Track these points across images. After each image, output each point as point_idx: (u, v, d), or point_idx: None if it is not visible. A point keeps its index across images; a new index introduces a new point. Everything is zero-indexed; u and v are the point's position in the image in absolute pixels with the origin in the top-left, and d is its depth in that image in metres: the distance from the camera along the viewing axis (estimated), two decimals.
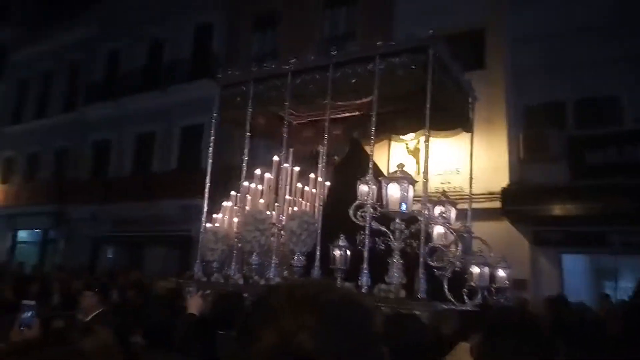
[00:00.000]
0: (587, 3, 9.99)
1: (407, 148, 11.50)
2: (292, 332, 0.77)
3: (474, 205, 10.39)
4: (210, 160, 5.83)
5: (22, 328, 2.58)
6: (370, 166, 4.99)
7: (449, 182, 11.25)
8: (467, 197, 10.73)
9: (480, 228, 10.19)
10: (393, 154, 11.58)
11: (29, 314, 2.65)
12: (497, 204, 10.09)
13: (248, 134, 5.55)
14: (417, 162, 11.41)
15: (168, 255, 13.97)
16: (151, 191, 12.20)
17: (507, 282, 5.01)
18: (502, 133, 10.59)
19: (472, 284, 4.58)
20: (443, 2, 11.68)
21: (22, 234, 20.00)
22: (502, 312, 3.26)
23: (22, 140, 20.11)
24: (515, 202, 9.90)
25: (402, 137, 10.89)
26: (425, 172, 4.91)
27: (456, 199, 10.75)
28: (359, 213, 4.85)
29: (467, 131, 6.56)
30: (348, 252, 4.86)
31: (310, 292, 0.83)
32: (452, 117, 6.05)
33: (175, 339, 4.27)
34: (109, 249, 16.11)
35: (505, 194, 10.02)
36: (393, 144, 11.73)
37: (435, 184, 10.80)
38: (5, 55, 22.08)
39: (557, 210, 9.66)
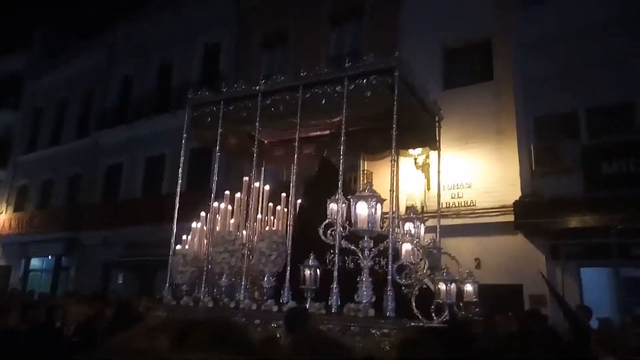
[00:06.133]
0: (593, 3, 9.66)
1: (416, 163, 11.36)
2: None
3: (486, 220, 10.27)
4: (180, 181, 5.92)
5: None
6: (340, 184, 4.95)
7: (460, 197, 11.03)
8: (479, 211, 10.61)
9: (493, 243, 10.06)
10: (402, 169, 11.44)
11: None
12: (510, 218, 9.80)
13: (217, 153, 5.62)
14: (427, 177, 11.25)
15: None
16: (161, 214, 12.39)
17: (475, 297, 4.84)
18: (513, 145, 10.32)
19: (439, 300, 4.44)
20: (448, 14, 11.61)
21: (35, 262, 19.97)
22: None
23: (36, 168, 20.41)
24: (529, 215, 9.56)
25: (410, 152, 10.82)
26: (393, 190, 4.82)
27: (467, 213, 10.67)
28: (328, 232, 4.82)
29: (432, 149, 6.46)
30: (318, 271, 4.82)
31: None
32: (420, 137, 6.02)
33: None
34: (119, 274, 16.07)
35: (519, 207, 9.71)
36: (401, 159, 11.65)
37: (446, 198, 10.63)
38: (21, 84, 22.61)
39: (575, 222, 9.26)
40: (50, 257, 19.14)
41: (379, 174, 10.83)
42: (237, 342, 0.89)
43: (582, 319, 5.82)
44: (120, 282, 15.80)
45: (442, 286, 4.41)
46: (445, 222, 9.26)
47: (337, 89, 5.12)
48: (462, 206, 10.75)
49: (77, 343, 4.94)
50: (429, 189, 11.06)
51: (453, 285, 4.39)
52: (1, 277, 20.10)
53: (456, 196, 10.93)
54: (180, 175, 6.01)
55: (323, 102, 5.20)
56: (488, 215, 10.33)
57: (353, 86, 5.04)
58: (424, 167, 11.31)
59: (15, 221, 20.21)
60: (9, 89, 22.98)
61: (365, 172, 11.71)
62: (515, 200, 9.72)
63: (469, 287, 4.87)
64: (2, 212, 21.16)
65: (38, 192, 20.54)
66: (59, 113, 20.98)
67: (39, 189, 20.54)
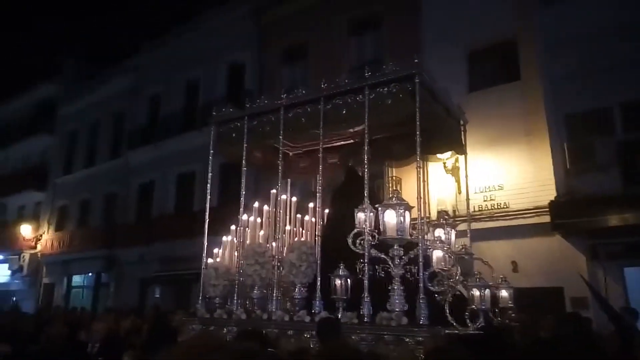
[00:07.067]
0: None
1: (445, 167, 11.22)
2: None
3: (521, 222, 10.05)
4: (209, 196, 6.01)
5: None
6: (366, 193, 4.94)
7: (493, 199, 10.83)
8: (513, 213, 10.39)
9: (530, 245, 9.82)
10: (431, 174, 11.28)
11: None
12: (545, 219, 9.55)
13: (244, 168, 5.70)
14: (457, 181, 11.09)
15: None
16: (193, 229, 12.55)
17: (510, 302, 4.73)
18: (544, 145, 10.08)
19: (474, 306, 4.37)
20: (470, 16, 11.46)
21: (77, 279, 20.64)
22: None
23: (74, 189, 21.12)
24: (566, 215, 9.29)
25: (439, 156, 10.75)
26: (420, 197, 4.78)
27: (500, 215, 10.46)
28: (357, 241, 4.80)
29: (458, 153, 6.37)
30: (349, 281, 4.81)
31: None
32: (445, 141, 5.96)
33: None
34: (156, 288, 16.39)
35: (555, 207, 9.44)
36: (431, 163, 11.51)
37: (477, 201, 10.47)
38: (55, 110, 23.53)
39: (615, 220, 8.96)
40: (90, 274, 19.72)
41: (408, 180, 10.72)
42: None
43: (627, 321, 5.60)
44: (157, 296, 16.13)
45: (475, 292, 4.34)
46: (478, 225, 9.13)
47: (358, 98, 5.12)
48: (494, 208, 10.55)
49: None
50: (459, 193, 10.89)
51: (487, 291, 4.31)
52: (46, 294, 20.85)
53: (488, 199, 10.73)
54: (209, 190, 6.12)
55: (345, 112, 5.22)
56: (522, 217, 10.10)
57: (374, 95, 5.04)
58: (454, 171, 11.15)
59: (56, 240, 20.91)
60: (43, 115, 23.92)
61: (394, 178, 11.64)
62: (551, 201, 9.47)
63: (503, 292, 4.78)
64: (44, 233, 21.94)
65: (77, 212, 21.18)
66: (93, 135, 21.69)
67: (78, 209, 21.19)
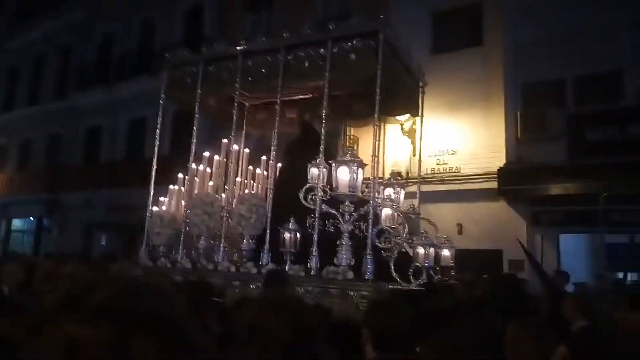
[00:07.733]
0: None
1: (402, 129, 11.29)
2: None
3: (470, 186, 10.33)
4: (157, 142, 5.81)
5: None
6: (322, 149, 4.89)
7: (445, 163, 11.02)
8: (464, 178, 10.65)
9: (476, 209, 10.14)
10: (388, 135, 11.33)
11: None
12: (493, 184, 9.87)
13: (197, 115, 5.51)
14: (413, 143, 11.20)
15: None
16: (143, 176, 12.03)
17: (452, 261, 4.92)
18: (500, 111, 10.26)
19: (417, 264, 4.49)
20: None
21: (17, 223, 19.75)
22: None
23: (15, 127, 19.84)
24: (512, 182, 9.63)
25: (397, 117, 10.74)
26: (375, 156, 4.79)
27: (451, 179, 10.71)
28: (309, 196, 4.80)
29: (414, 115, 6.40)
30: (298, 234, 4.82)
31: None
32: (404, 102, 5.95)
33: None
34: (102, 235, 16.04)
35: (502, 174, 9.74)
36: (389, 125, 11.55)
37: (430, 164, 10.64)
38: None
39: (556, 189, 9.36)
40: (31, 217, 18.89)
41: (365, 140, 10.74)
42: (148, 314, 0.60)
43: (556, 283, 5.96)
44: (103, 243, 15.76)
45: (420, 250, 4.45)
46: (429, 188, 9.31)
47: (320, 51, 5.01)
48: (446, 172, 10.77)
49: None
50: (414, 155, 11.02)
51: (431, 250, 4.43)
52: None
53: (441, 162, 10.92)
54: (157, 137, 5.91)
55: (306, 64, 5.10)
56: (472, 182, 10.37)
57: (337, 49, 4.93)
58: (411, 134, 11.24)
59: None
60: None
61: (351, 137, 11.64)
62: (500, 167, 9.75)
63: (446, 252, 4.94)
64: None
65: (17, 153, 20.07)
66: (37, 71, 20.29)
67: (18, 149, 20.05)
